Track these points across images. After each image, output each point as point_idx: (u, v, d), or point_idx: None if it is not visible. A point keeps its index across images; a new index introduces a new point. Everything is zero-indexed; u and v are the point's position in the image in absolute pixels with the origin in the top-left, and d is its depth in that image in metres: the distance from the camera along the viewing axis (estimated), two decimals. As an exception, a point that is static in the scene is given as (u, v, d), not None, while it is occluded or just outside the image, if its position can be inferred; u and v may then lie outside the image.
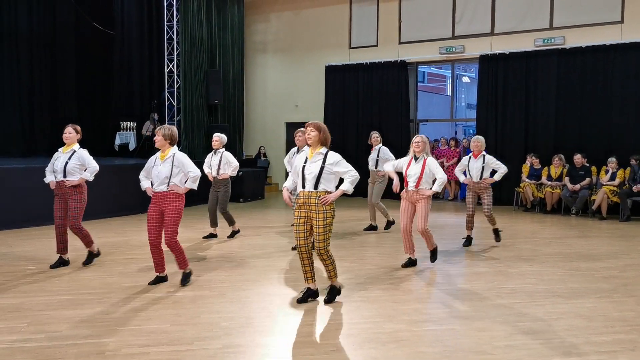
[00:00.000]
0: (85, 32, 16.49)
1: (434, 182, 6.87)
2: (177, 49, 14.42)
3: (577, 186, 11.58)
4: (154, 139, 5.97)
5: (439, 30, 14.52)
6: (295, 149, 8.82)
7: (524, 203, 12.72)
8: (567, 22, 12.95)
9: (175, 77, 14.49)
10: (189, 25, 14.31)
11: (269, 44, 17.27)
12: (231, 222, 8.95)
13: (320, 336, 4.60)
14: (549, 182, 12.13)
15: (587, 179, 11.60)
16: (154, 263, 6.03)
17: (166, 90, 14.60)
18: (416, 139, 6.93)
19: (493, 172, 8.28)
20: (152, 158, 5.99)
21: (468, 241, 8.48)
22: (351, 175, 5.23)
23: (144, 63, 16.11)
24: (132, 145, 15.36)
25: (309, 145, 5.31)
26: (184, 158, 5.85)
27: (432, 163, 6.81)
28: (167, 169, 5.77)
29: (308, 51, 16.47)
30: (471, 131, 17.27)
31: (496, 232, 8.52)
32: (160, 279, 6.10)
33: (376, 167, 9.49)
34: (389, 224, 9.77)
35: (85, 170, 6.73)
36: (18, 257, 7.30)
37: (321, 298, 5.46)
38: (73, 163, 6.62)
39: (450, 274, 6.74)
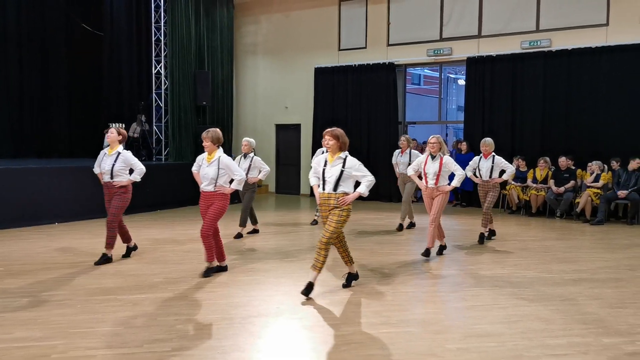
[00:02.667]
0: (75, 33, 16.52)
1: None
2: (164, 50, 14.42)
3: (562, 189, 11.53)
4: (203, 144, 6.32)
5: (427, 32, 14.47)
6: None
7: (509, 205, 12.68)
8: (553, 24, 12.90)
9: (163, 78, 14.48)
10: (176, 27, 14.26)
11: (258, 45, 17.27)
12: (254, 220, 9.58)
13: (274, 339, 4.58)
14: (534, 185, 12.08)
15: (572, 182, 11.55)
16: (215, 254, 6.51)
17: (154, 91, 14.59)
18: (431, 140, 7.54)
19: (502, 172, 8.75)
20: (199, 158, 6.49)
21: (488, 236, 9.02)
22: (367, 180, 5.63)
23: (132, 64, 16.12)
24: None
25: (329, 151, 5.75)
26: (229, 162, 6.27)
27: (449, 161, 7.47)
28: (214, 171, 6.23)
29: (298, 53, 16.46)
30: (460, 134, 17.20)
31: (491, 232, 9.10)
32: (220, 269, 6.66)
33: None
34: (412, 224, 10.34)
35: (129, 172, 7.07)
36: (-10, 258, 7.29)
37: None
38: (119, 165, 6.95)
39: (418, 277, 6.70)
